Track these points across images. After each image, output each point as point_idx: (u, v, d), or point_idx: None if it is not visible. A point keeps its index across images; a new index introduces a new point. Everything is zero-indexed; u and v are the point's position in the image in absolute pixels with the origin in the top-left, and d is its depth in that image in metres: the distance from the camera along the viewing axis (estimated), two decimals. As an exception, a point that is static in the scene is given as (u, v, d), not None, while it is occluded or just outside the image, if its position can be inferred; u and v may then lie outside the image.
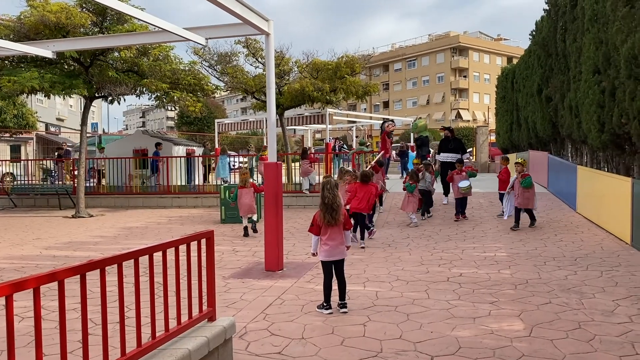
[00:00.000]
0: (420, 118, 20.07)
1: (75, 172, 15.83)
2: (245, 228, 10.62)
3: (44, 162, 22.91)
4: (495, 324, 4.93)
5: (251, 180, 11.03)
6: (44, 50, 9.50)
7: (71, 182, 17.76)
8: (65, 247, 9.96)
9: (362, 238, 9.09)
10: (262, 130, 32.49)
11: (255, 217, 10.94)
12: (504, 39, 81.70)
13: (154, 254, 3.47)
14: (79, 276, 2.77)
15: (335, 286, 5.48)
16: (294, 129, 31.16)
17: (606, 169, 12.96)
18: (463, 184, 11.33)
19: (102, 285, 2.94)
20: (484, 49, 74.32)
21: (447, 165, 13.03)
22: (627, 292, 5.86)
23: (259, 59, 18.50)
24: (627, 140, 10.85)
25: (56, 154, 22.06)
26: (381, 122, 20.41)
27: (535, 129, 19.00)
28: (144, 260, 3.36)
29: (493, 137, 33.06)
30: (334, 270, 5.49)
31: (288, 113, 21.00)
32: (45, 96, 14.64)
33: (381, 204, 12.92)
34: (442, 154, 13.38)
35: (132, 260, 3.27)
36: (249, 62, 18.98)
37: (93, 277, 2.94)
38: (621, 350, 4.24)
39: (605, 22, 10.86)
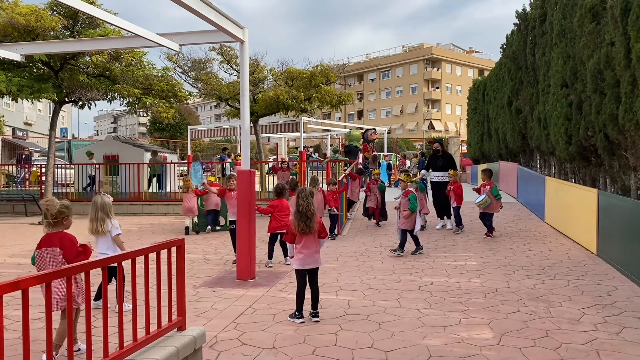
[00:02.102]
0: (356, 129, 20.22)
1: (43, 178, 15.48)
2: (187, 228, 11.93)
3: (6, 167, 22.36)
4: (465, 332, 4.98)
5: (195, 187, 11.85)
6: (12, 53, 9.28)
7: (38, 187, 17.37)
8: (31, 254, 9.68)
9: (286, 255, 8.45)
10: (235, 138, 32.32)
11: (195, 220, 12.13)
12: (476, 52, 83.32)
13: (123, 262, 3.42)
14: (44, 285, 2.70)
15: (308, 295, 5.46)
16: (268, 137, 31.10)
17: (573, 180, 13.27)
18: (478, 198, 10.42)
19: (69, 294, 2.87)
20: (456, 61, 75.64)
21: (437, 186, 11.55)
22: (593, 300, 5.99)
23: (234, 66, 18.46)
24: (593, 153, 11.15)
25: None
26: (362, 131, 20.37)
27: (506, 140, 19.36)
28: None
29: (465, 148, 33.57)
30: (307, 278, 5.47)
31: (262, 121, 20.96)
32: (12, 100, 14.31)
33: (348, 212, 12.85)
34: (432, 173, 11.87)
35: (100, 268, 3.21)
36: (223, 69, 18.93)
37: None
38: (587, 358, 4.33)
39: (573, 37, 11.17)
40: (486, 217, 10.43)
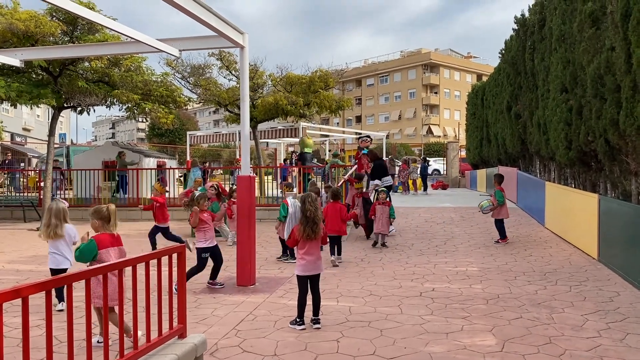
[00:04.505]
0: (306, 136, 20.03)
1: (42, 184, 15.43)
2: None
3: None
4: (467, 339, 4.94)
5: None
6: (11, 58, 9.26)
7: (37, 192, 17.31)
8: (30, 260, 9.65)
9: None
10: (234, 143, 32.30)
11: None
12: (474, 57, 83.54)
13: (124, 269, 3.38)
14: (44, 292, 2.67)
15: (309, 301, 5.42)
16: (267, 142, 31.13)
17: (573, 185, 13.25)
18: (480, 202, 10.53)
19: (69, 302, 2.84)
20: (455, 66, 75.84)
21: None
22: (595, 306, 5.96)
23: (233, 72, 18.45)
24: (593, 158, 11.13)
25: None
26: (357, 137, 20.12)
27: (505, 145, 19.35)
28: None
29: (463, 153, 33.56)
30: (309, 285, 5.44)
31: (261, 126, 20.94)
32: (11, 105, 14.28)
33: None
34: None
35: (101, 275, 3.17)
36: (222, 74, 18.92)
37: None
38: (591, 364, 4.29)
39: (572, 42, 11.17)
40: (496, 224, 10.49)
